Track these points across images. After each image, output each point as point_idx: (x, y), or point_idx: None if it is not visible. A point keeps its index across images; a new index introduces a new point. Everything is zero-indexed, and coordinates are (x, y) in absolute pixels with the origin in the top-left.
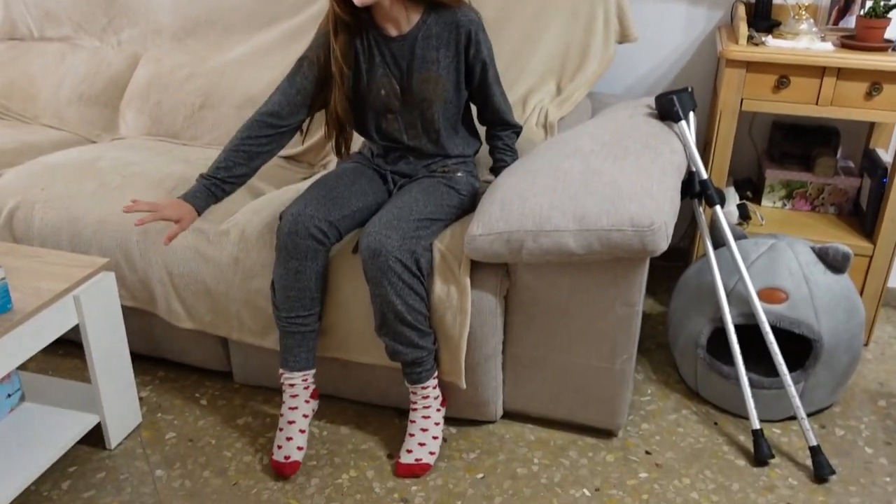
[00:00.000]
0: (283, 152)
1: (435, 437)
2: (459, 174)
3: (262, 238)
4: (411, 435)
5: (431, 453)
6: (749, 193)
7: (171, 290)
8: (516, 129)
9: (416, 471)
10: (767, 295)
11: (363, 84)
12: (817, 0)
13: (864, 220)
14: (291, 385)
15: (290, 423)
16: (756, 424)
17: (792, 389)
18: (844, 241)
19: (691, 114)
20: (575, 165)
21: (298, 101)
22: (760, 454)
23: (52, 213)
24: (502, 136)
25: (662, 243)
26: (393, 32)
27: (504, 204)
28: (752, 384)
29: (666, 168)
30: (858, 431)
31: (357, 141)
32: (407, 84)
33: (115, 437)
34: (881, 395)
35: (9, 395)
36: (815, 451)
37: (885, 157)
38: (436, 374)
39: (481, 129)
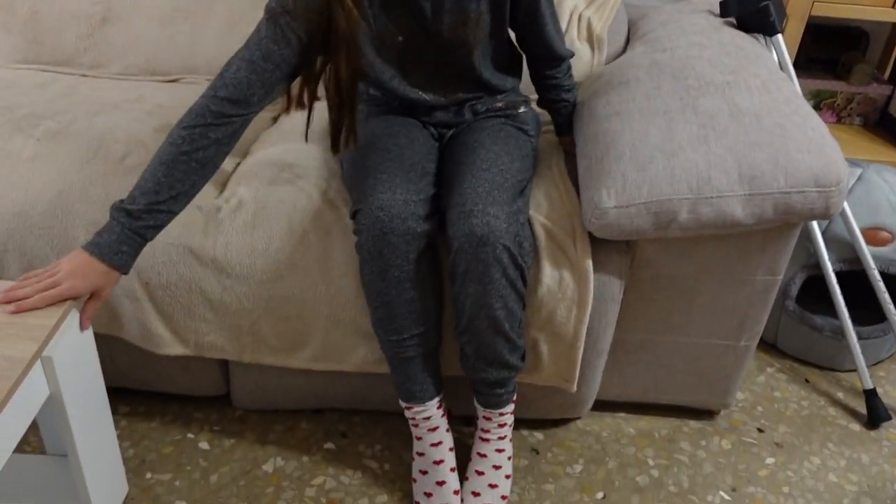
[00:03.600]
0: None
1: (508, 476)
2: (522, 109)
3: (281, 220)
4: (479, 473)
5: (503, 497)
6: None
7: (149, 307)
8: (567, 58)
9: None
10: (870, 236)
11: (371, 31)
12: None
13: None
14: (427, 418)
15: (437, 462)
16: (869, 384)
17: None
18: (888, 158)
19: None
20: (718, 105)
21: (276, 77)
22: (877, 417)
23: None
24: (556, 73)
25: (843, 203)
26: None
27: (641, 162)
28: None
29: (806, 102)
30: None
31: None
32: (434, 28)
33: None
34: None
35: None
36: None
37: None
38: (515, 396)
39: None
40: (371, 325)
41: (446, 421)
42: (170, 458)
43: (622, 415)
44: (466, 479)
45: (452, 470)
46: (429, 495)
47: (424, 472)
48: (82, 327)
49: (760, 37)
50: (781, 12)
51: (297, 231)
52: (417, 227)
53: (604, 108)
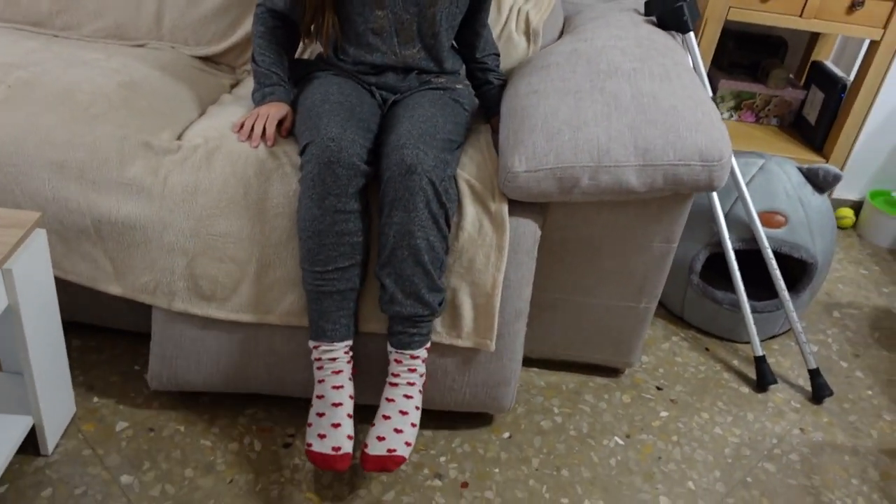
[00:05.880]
0: (200, 51)
1: (413, 425)
2: (460, 86)
3: (226, 165)
4: (386, 417)
5: (408, 444)
6: None
7: (97, 243)
8: (497, 53)
9: (389, 465)
10: (766, 219)
11: None
12: None
13: (808, 132)
14: (333, 359)
15: (336, 405)
16: (759, 351)
17: (794, 315)
18: (796, 155)
19: None
20: (622, 87)
21: None
22: (764, 381)
23: None
24: (486, 60)
25: (726, 177)
26: None
27: (550, 134)
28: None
29: (704, 89)
30: (828, 345)
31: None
32: None
33: (51, 438)
34: (832, 306)
35: None
36: (815, 374)
37: (834, 69)
38: (429, 344)
39: None
40: (299, 263)
41: (350, 370)
42: (116, 386)
43: (535, 369)
44: (373, 425)
45: (349, 416)
46: (322, 436)
47: (321, 415)
48: (281, 135)
49: (678, 35)
50: (695, 13)
51: (240, 174)
52: (360, 164)
53: (525, 87)
